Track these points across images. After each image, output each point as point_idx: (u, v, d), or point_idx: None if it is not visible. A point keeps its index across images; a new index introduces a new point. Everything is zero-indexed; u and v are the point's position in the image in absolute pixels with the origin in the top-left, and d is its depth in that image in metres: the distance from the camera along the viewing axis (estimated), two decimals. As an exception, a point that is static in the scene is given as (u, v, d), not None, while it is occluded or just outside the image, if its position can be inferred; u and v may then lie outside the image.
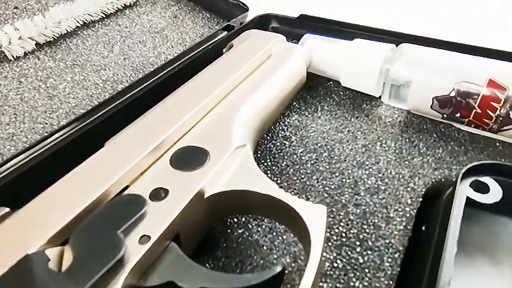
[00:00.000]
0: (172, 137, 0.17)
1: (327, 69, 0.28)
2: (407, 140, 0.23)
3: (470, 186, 0.17)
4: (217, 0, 0.36)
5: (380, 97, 0.26)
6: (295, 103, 0.27)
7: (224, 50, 0.28)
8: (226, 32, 0.32)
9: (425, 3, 0.41)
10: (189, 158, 0.16)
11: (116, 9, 0.34)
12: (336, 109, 0.26)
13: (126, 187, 0.15)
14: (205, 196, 0.15)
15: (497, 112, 0.21)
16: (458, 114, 0.23)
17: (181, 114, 0.18)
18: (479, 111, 0.22)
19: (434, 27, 0.33)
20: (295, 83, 0.24)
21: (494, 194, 0.16)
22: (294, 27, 0.34)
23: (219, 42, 0.30)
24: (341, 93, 0.28)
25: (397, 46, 0.26)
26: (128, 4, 0.35)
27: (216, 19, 0.36)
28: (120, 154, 0.16)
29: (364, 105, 0.26)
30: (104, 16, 0.33)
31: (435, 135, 0.24)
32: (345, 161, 0.22)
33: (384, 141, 0.23)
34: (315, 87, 0.28)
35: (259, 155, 0.22)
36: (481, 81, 0.22)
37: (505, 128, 0.22)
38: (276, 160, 0.22)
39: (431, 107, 0.24)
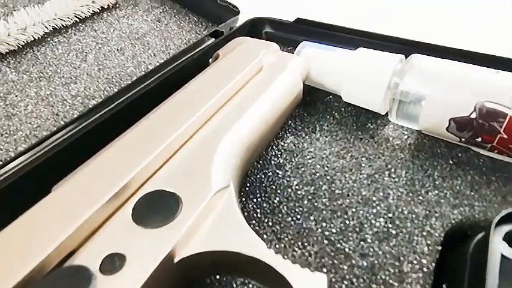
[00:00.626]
0: (137, 180, 0.14)
1: (326, 82, 0.24)
2: (419, 167, 0.20)
3: (504, 239, 0.14)
4: (205, 2, 0.33)
5: (386, 114, 0.23)
6: (290, 122, 0.24)
7: (210, 61, 0.25)
8: (213, 39, 0.28)
9: (437, 5, 0.37)
10: (156, 209, 0.13)
11: (92, 12, 0.30)
12: (336, 129, 0.23)
13: (71, 253, 0.12)
14: (176, 260, 0.12)
15: (527, 138, 0.18)
16: (479, 139, 0.20)
17: (149, 149, 0.15)
18: (506, 137, 0.19)
19: (449, 34, 0.30)
20: (290, 100, 0.21)
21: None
22: (290, 33, 0.30)
23: (205, 51, 0.27)
24: (342, 109, 0.24)
25: (406, 57, 0.23)
26: (106, 7, 0.31)
27: (204, 23, 0.33)
28: (67, 205, 0.13)
29: (369, 124, 0.23)
30: (78, 20, 0.29)
31: (451, 162, 0.20)
32: (348, 195, 0.19)
33: (392, 170, 0.20)
34: (313, 103, 0.25)
35: (247, 189, 0.19)
36: (508, 101, 0.18)
37: (535, 156, 0.19)
38: (267, 195, 0.19)
39: (447, 129, 0.20)
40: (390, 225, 0.17)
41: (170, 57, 0.26)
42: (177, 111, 0.17)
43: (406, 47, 0.25)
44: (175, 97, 0.18)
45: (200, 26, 0.33)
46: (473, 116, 0.19)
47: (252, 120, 0.18)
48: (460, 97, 0.20)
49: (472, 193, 0.19)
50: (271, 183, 0.19)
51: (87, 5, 0.29)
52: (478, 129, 0.19)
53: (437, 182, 0.19)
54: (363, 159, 0.21)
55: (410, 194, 0.19)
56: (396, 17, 0.35)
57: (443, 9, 0.36)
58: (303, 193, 0.19)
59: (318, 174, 0.20)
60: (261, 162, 0.21)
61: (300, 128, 0.23)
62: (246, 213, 0.18)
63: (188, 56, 0.26)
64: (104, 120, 0.21)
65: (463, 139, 0.20)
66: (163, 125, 0.16)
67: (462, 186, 0.19)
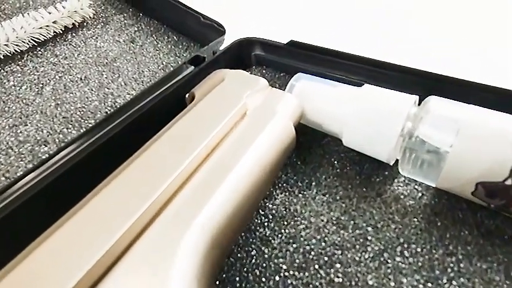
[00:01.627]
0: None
1: (324, 123, 0.20)
2: (438, 241, 0.16)
3: None
4: (187, 20, 0.29)
5: (395, 164, 0.19)
6: (280, 173, 0.20)
7: (187, 97, 0.21)
8: (193, 68, 0.24)
9: (460, 31, 0.33)
10: None
11: (53, 34, 0.26)
12: (336, 183, 0.19)
13: None
14: None
15: None
16: (514, 209, 0.16)
17: (84, 259, 0.11)
18: (549, 211, 0.15)
19: (475, 65, 0.26)
20: (280, 154, 0.17)
21: None
22: (283, 57, 0.26)
23: (183, 82, 0.23)
24: (342, 155, 0.21)
25: (421, 97, 0.19)
26: (71, 26, 0.27)
27: (185, 43, 0.29)
28: None
29: (375, 177, 0.19)
30: (36, 44, 0.25)
31: (477, 232, 0.17)
32: (351, 286, 0.15)
33: (405, 245, 0.16)
34: (308, 146, 0.21)
35: (224, 276, 0.15)
36: (553, 168, 0.15)
37: None
38: (249, 286, 0.15)
39: (472, 193, 0.17)
40: (406, 336, 0.13)
41: (140, 92, 0.22)
42: (131, 188, 0.13)
43: (423, 80, 0.21)
44: (132, 165, 0.14)
45: (180, 46, 0.28)
46: (509, 182, 0.15)
47: (233, 192, 0.14)
48: (491, 157, 0.16)
49: (508, 282, 0.15)
50: (254, 266, 0.15)
51: (47, 26, 0.25)
52: (513, 198, 0.16)
53: (461, 265, 0.15)
54: (369, 228, 0.17)
55: (429, 284, 0.15)
56: (410, 44, 0.31)
57: (468, 36, 0.32)
58: (294, 282, 0.15)
59: (313, 252, 0.16)
60: (242, 234, 0.17)
61: (292, 181, 0.19)
62: (220, 314, 0.14)
63: (162, 90, 0.22)
64: (56, 178, 0.18)
65: (492, 205, 0.17)
66: (111, 212, 0.12)
67: (493, 271, 0.15)
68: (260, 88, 0.19)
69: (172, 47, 0.28)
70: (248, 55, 0.27)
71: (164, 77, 0.23)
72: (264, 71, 0.27)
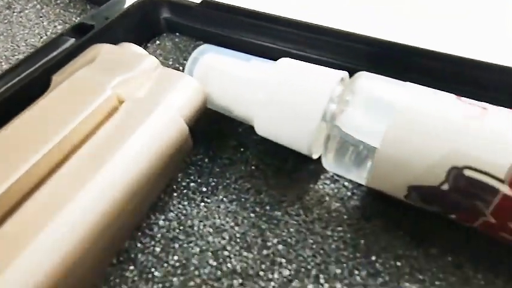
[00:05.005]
0: None
1: (233, 107, 0.16)
2: (363, 258, 0.13)
3: None
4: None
5: (320, 158, 0.16)
6: (180, 176, 0.16)
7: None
8: (74, 40, 0.19)
9: None
10: None
11: None
12: (247, 185, 0.15)
13: None
14: None
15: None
16: (454, 216, 0.13)
17: None
18: (493, 221, 0.12)
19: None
20: (161, 160, 0.13)
21: None
22: (197, 20, 0.21)
23: (56, 62, 0.17)
24: (260, 147, 0.17)
25: (352, 73, 0.15)
26: None
27: (79, 5, 0.23)
28: None
29: (297, 174, 0.16)
30: None
31: (411, 242, 0.14)
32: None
33: (323, 267, 0.13)
34: (220, 137, 0.17)
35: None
36: (500, 171, 0.11)
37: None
38: None
39: (405, 197, 0.13)
40: None
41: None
42: None
43: (369, 49, 0.17)
44: None
45: (72, 10, 0.23)
46: (445, 187, 0.12)
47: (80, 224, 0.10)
48: (425, 157, 0.12)
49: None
50: (124, 314, 0.12)
51: None
52: (452, 205, 0.12)
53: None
54: (280, 247, 0.13)
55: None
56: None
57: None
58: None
59: (204, 286, 0.12)
60: (115, 262, 0.13)
61: (194, 186, 0.15)
62: None
63: (27, 72, 0.17)
64: None
65: (429, 210, 0.13)
66: None
67: (425, 295, 0.12)
68: (146, 69, 0.15)
69: (61, 11, 0.22)
70: (156, 19, 0.22)
71: (31, 54, 0.17)
72: (177, 40, 0.22)
